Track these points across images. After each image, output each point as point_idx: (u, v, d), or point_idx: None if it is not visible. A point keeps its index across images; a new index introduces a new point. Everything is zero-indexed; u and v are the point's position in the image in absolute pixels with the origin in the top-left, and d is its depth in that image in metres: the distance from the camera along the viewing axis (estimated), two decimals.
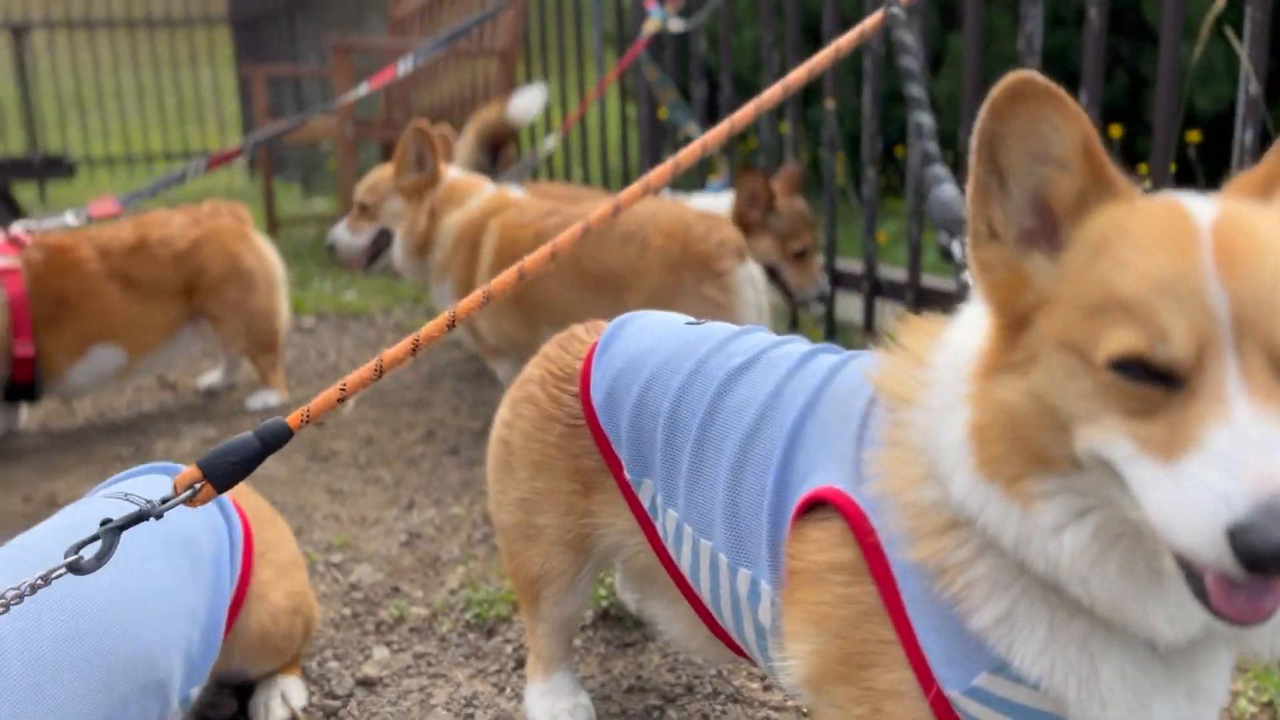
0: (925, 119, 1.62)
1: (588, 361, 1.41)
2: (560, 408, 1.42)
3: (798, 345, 1.29)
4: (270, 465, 2.62)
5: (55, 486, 2.55)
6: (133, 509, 1.15)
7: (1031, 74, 0.86)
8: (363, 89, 3.46)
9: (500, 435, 1.51)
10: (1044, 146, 0.88)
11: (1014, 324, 0.90)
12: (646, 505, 1.32)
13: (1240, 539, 0.72)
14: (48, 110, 11.31)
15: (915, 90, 1.66)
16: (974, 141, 0.90)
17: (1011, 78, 0.86)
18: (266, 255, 3.11)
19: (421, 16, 6.15)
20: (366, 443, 2.80)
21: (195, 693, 1.40)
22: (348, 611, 1.91)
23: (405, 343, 1.28)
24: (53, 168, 7.08)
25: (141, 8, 11.83)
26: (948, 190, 1.50)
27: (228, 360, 3.23)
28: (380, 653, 1.77)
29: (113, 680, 1.21)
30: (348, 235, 2.92)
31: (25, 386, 2.81)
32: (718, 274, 2.45)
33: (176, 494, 1.17)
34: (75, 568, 1.08)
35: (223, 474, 1.18)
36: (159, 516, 1.16)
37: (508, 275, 1.39)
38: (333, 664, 1.75)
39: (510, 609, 1.87)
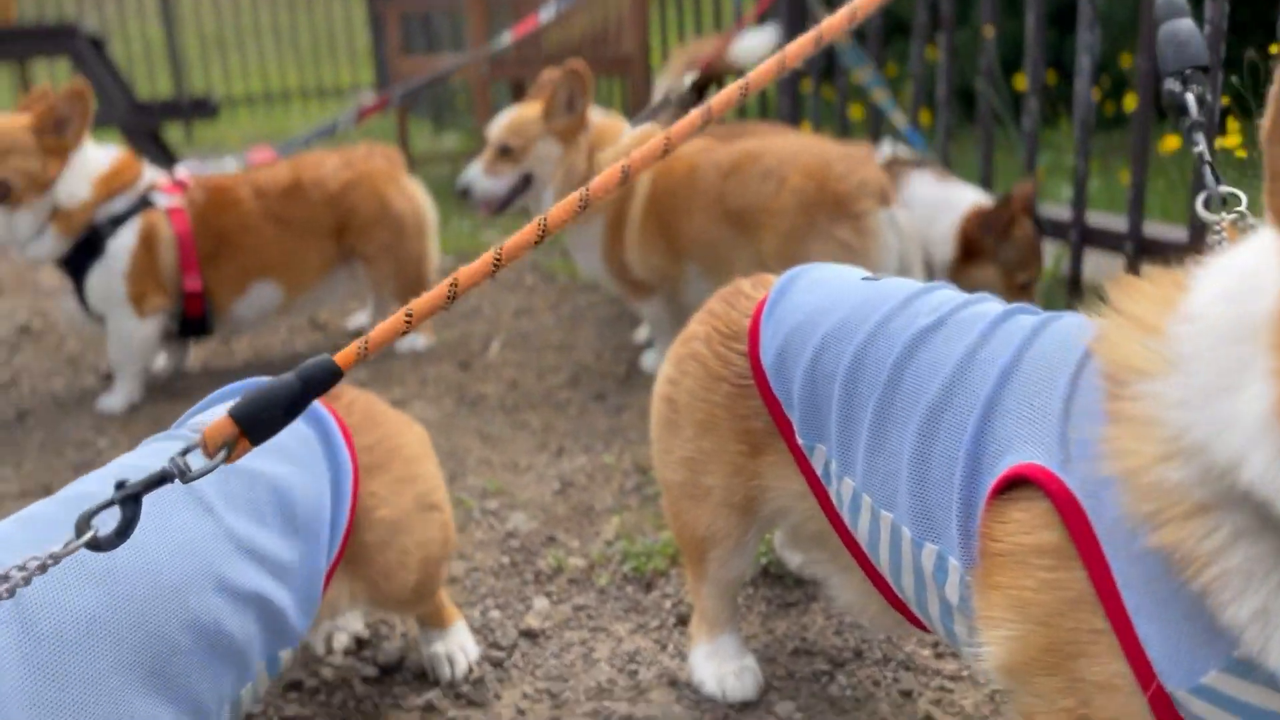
0: None
1: (756, 318, 1.35)
2: (727, 367, 1.37)
3: (991, 304, 1.20)
4: (418, 409, 2.67)
5: None
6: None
7: None
8: (505, 38, 3.43)
9: (664, 393, 1.47)
10: None
11: None
12: (819, 471, 1.27)
13: None
14: (191, 51, 11.69)
15: None
16: (1271, 109, 0.77)
17: None
18: (417, 198, 3.13)
19: None
20: (512, 386, 2.81)
21: (286, 657, 1.25)
22: (506, 560, 1.93)
23: (486, 257, 1.09)
24: (199, 108, 7.27)
25: None
26: (1184, 25, 1.34)
27: (376, 302, 3.28)
28: (540, 603, 1.78)
29: (155, 646, 1.04)
30: (485, 179, 2.86)
31: (197, 322, 2.92)
32: (854, 215, 2.36)
33: (209, 449, 0.97)
34: (92, 544, 0.90)
35: (262, 425, 0.99)
36: (186, 479, 0.95)
37: (609, 177, 1.21)
38: (495, 614, 1.76)
39: (667, 563, 1.85)
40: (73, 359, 3.31)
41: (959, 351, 1.12)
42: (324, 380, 1.01)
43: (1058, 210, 3.21)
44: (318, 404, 1.35)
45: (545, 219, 1.14)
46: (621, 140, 2.70)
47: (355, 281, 3.15)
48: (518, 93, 6.66)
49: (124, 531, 0.92)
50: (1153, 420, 0.91)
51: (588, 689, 1.56)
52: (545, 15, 3.41)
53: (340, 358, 1.01)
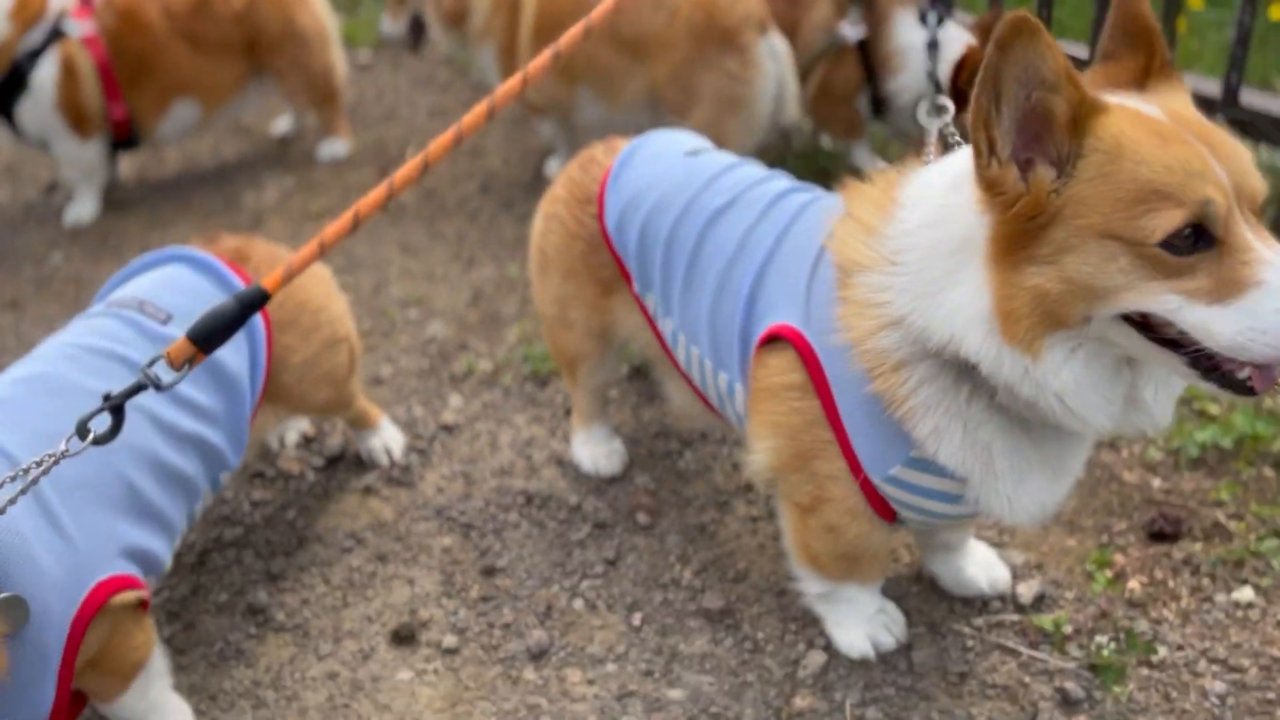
0: None
1: (602, 188, 1.68)
2: (582, 227, 1.70)
3: (775, 184, 1.53)
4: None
5: (165, 238, 2.90)
6: (157, 318, 1.43)
7: (1025, 13, 1.03)
8: None
9: (537, 244, 1.81)
10: (1037, 75, 1.06)
11: (1028, 226, 1.10)
12: (651, 312, 1.64)
13: None
14: None
15: None
16: (980, 75, 1.06)
17: (1011, 17, 1.03)
18: (318, 12, 3.27)
19: None
20: (429, 195, 3.10)
21: (225, 477, 1.61)
22: (425, 364, 2.31)
23: (416, 161, 1.38)
24: None
25: None
26: None
27: (296, 111, 3.48)
28: (455, 401, 2.18)
29: (128, 489, 1.40)
30: (390, 26, 3.12)
31: (125, 141, 3.11)
32: (740, 47, 2.54)
33: (173, 364, 1.27)
34: (94, 442, 1.23)
35: (212, 340, 1.29)
36: (159, 388, 1.25)
37: (543, 59, 1.41)
38: (418, 410, 2.16)
39: (559, 365, 2.24)
40: (12, 169, 3.50)
41: (742, 228, 1.48)
42: (256, 302, 1.31)
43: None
44: (232, 276, 1.65)
45: (494, 99, 1.36)
46: None
47: (269, 94, 3.32)
48: None
49: (115, 431, 1.25)
50: (870, 303, 1.28)
51: (493, 469, 1.99)
52: None
53: (268, 282, 1.31)
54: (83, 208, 3.09)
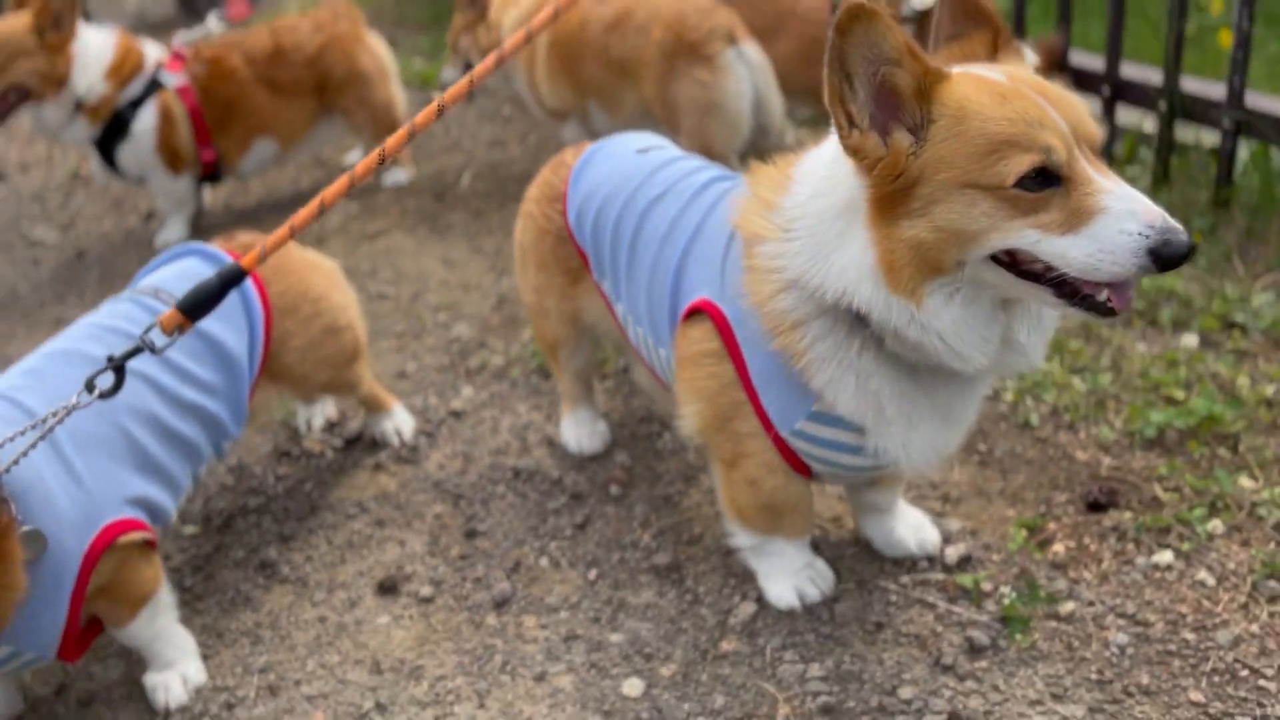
0: None
1: (566, 186, 1.87)
2: (550, 223, 1.89)
3: (704, 174, 1.69)
4: (397, 238, 3.23)
5: None
6: (169, 302, 1.65)
7: (863, 0, 1.17)
8: None
9: (517, 239, 2.01)
10: (880, 52, 1.21)
11: (898, 187, 1.24)
12: (607, 296, 1.81)
13: (1161, 253, 1.16)
14: None
15: None
16: (826, 57, 1.21)
17: (849, 4, 1.17)
18: (379, 54, 3.58)
19: None
20: (476, 215, 3.35)
21: (228, 445, 1.84)
22: (446, 360, 2.53)
23: (342, 181, 1.54)
24: None
25: None
26: None
27: (364, 144, 3.79)
28: (467, 391, 2.39)
29: (137, 447, 1.63)
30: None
31: (210, 175, 3.47)
32: (706, 58, 2.75)
33: (165, 330, 1.50)
34: (100, 396, 1.47)
35: (198, 310, 1.52)
36: (154, 351, 1.50)
37: (488, 62, 1.60)
38: (432, 399, 2.38)
39: None
40: (118, 201, 3.91)
41: (671, 214, 1.64)
42: (235, 278, 1.53)
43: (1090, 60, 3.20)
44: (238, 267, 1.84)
45: (442, 100, 1.57)
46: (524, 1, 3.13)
47: (339, 128, 3.64)
48: None
49: (117, 387, 1.51)
50: (769, 269, 1.43)
51: (490, 449, 2.18)
52: None
53: (246, 261, 1.52)
54: (172, 232, 3.44)
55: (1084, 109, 1.25)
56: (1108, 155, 3.10)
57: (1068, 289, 1.24)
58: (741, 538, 1.67)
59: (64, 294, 3.21)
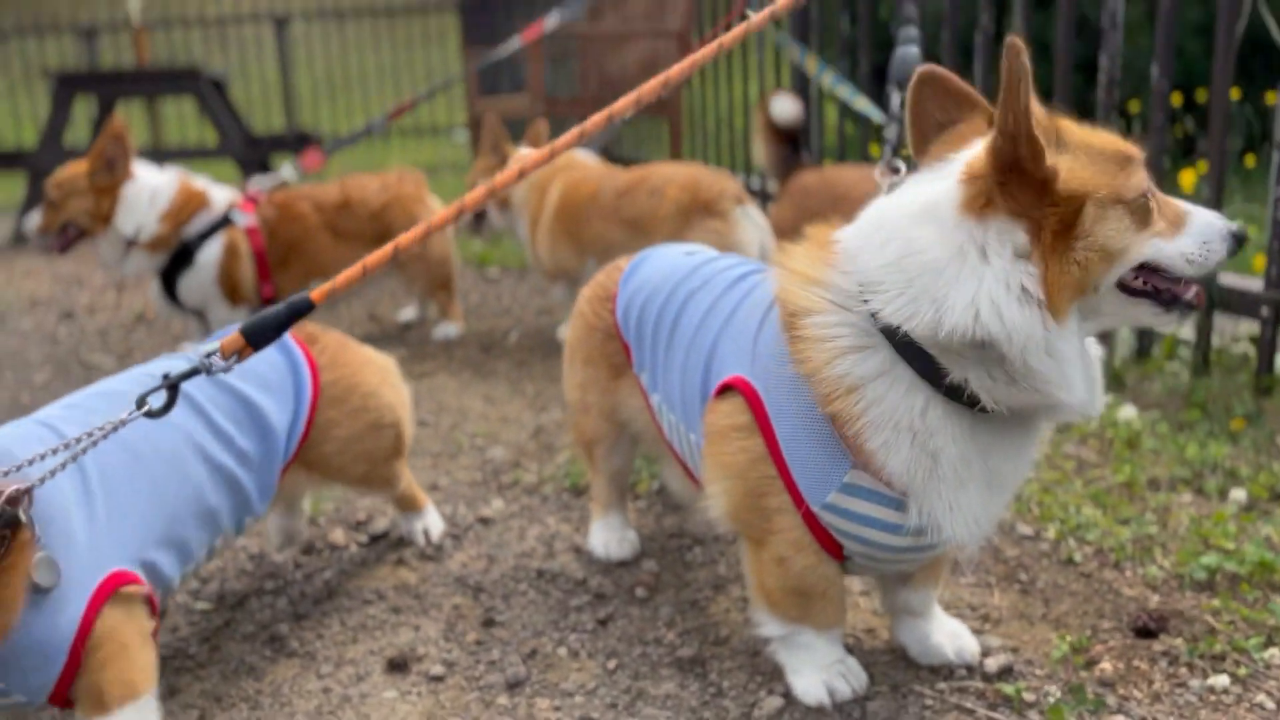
0: None
1: (616, 286, 1.93)
2: (600, 320, 1.94)
3: (738, 269, 1.74)
4: (441, 379, 3.29)
5: None
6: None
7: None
8: (514, 43, 4.10)
9: (569, 337, 2.06)
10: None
11: (1068, 210, 1.27)
12: (645, 388, 1.83)
13: (1238, 235, 1.35)
14: (303, 91, 12.75)
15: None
16: (1020, 93, 1.22)
17: (1011, 39, 1.21)
18: (438, 211, 3.79)
19: (615, 2, 6.75)
20: (520, 365, 3.42)
21: (248, 522, 1.75)
22: (479, 476, 2.52)
23: (419, 229, 1.61)
24: (302, 142, 8.06)
25: None
26: (913, 50, 1.98)
27: (420, 300, 3.94)
28: (497, 503, 2.37)
29: (166, 501, 1.55)
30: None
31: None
32: (720, 213, 3.15)
33: (224, 354, 1.43)
34: (148, 414, 1.39)
35: (260, 338, 1.45)
36: (209, 372, 1.42)
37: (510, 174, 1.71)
38: (462, 509, 2.35)
39: None
40: (177, 338, 4.04)
41: (706, 304, 1.68)
42: (303, 309, 1.49)
43: None
44: (296, 349, 1.89)
45: (463, 201, 1.70)
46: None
47: (392, 280, 3.81)
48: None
49: (169, 406, 1.40)
50: (822, 338, 1.43)
51: (515, 553, 2.14)
52: (550, 23, 4.07)
53: (315, 294, 1.51)
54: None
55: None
56: (1146, 356, 3.14)
57: (1165, 296, 1.35)
58: (770, 626, 1.60)
59: None
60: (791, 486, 1.46)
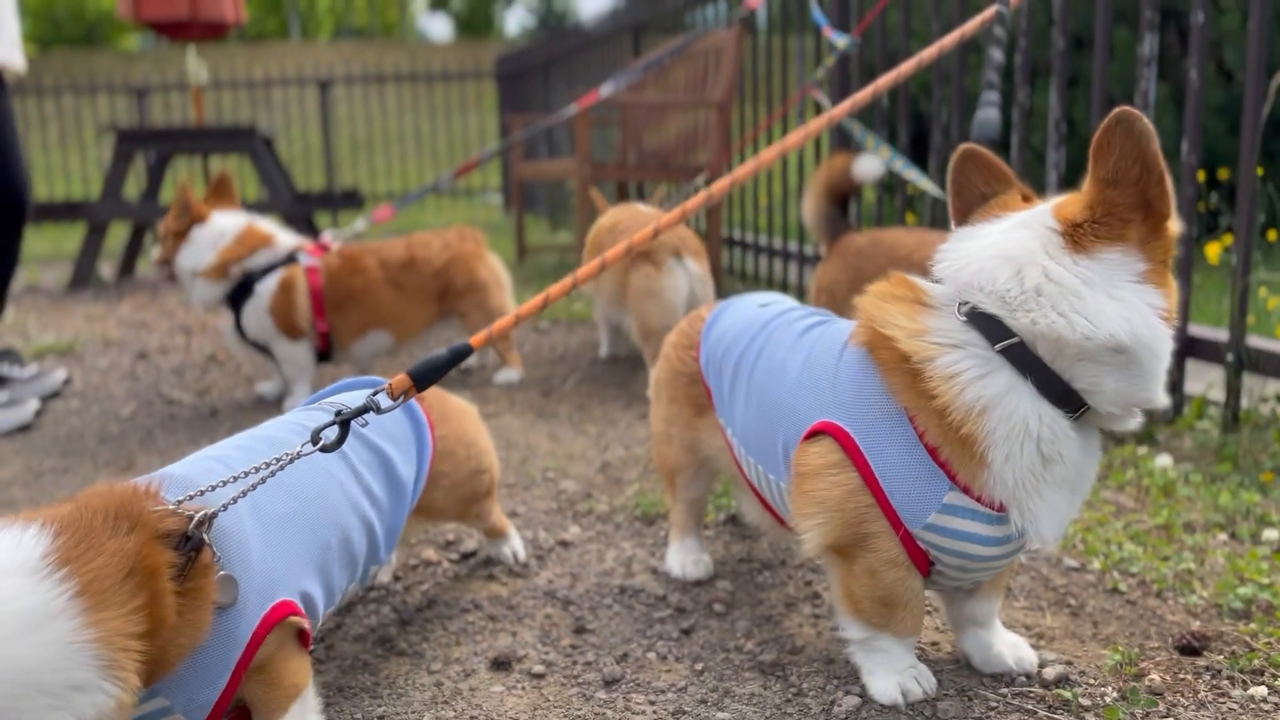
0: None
1: (699, 335, 2.14)
2: (685, 366, 2.15)
3: (804, 321, 1.93)
4: (506, 419, 3.48)
5: None
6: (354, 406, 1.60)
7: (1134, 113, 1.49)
8: (571, 109, 4.35)
9: (655, 377, 2.26)
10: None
11: (1170, 249, 1.55)
12: (726, 432, 2.02)
13: None
14: (343, 152, 13.16)
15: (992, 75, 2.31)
16: (1157, 159, 1.50)
17: (1126, 112, 1.48)
18: (496, 268, 4.04)
19: (655, 71, 7.06)
20: (579, 408, 3.61)
21: (375, 571, 1.83)
22: (554, 505, 2.70)
23: (566, 281, 1.81)
24: (346, 200, 8.35)
25: (423, 64, 13.53)
26: (993, 113, 2.20)
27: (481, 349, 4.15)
28: (574, 529, 2.55)
29: (320, 540, 1.62)
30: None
31: (322, 353, 3.83)
32: (655, 263, 3.62)
33: (392, 394, 1.54)
34: (323, 449, 1.49)
35: (426, 379, 1.59)
36: (379, 411, 1.53)
37: (590, 267, 1.86)
38: (542, 533, 2.53)
39: (666, 509, 2.59)
40: (249, 377, 4.26)
41: (780, 355, 1.88)
42: (464, 353, 1.66)
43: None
44: (416, 406, 2.02)
45: (575, 275, 1.89)
46: (602, 220, 3.80)
47: (451, 330, 4.03)
48: (621, 194, 7.62)
49: (340, 441, 1.49)
50: (949, 375, 1.58)
51: (596, 572, 2.31)
52: (605, 91, 4.32)
53: (474, 340, 1.69)
54: (297, 399, 3.74)
55: None
56: (1178, 415, 3.32)
57: None
58: (852, 630, 1.76)
59: (197, 438, 3.48)
60: (890, 512, 1.63)
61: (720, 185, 1.95)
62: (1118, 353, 1.51)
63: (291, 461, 1.50)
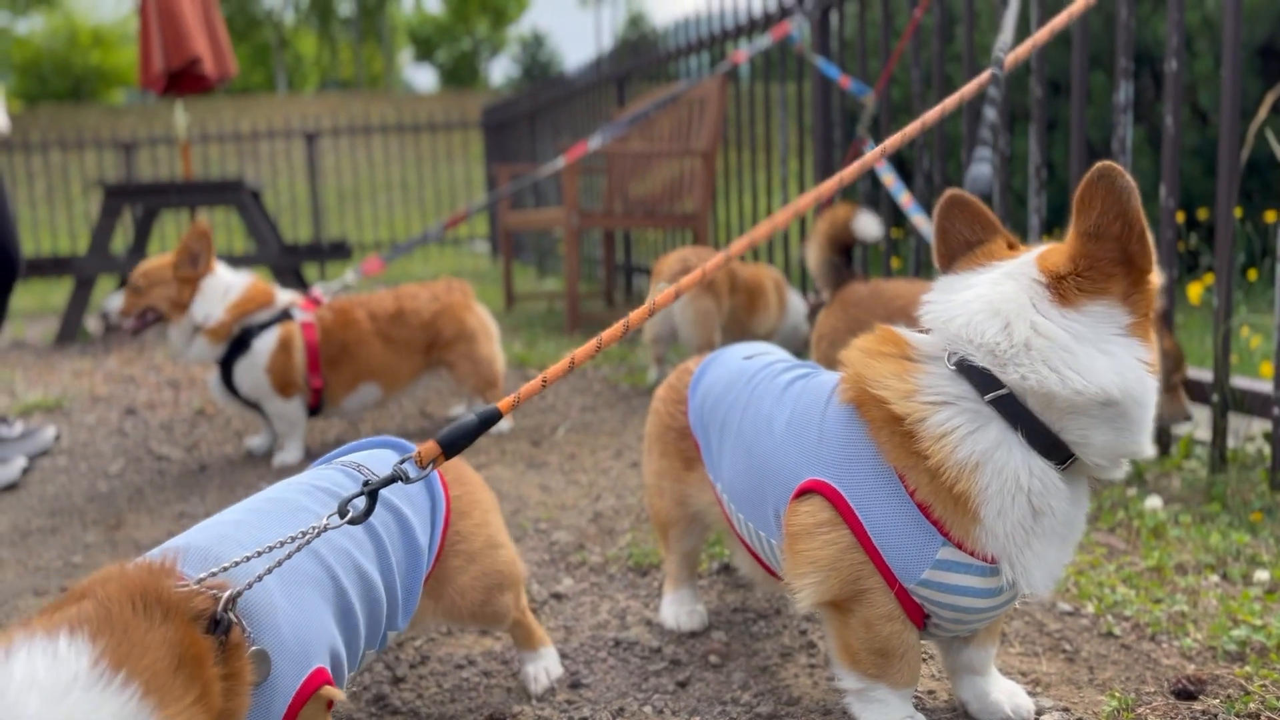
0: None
1: (687, 390, 2.15)
2: (674, 420, 2.15)
3: (786, 375, 1.94)
4: (497, 470, 3.48)
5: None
6: (372, 476, 1.53)
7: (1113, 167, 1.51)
8: (559, 161, 4.40)
9: (647, 431, 2.27)
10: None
11: (1150, 302, 1.56)
12: (714, 486, 2.03)
13: None
14: (330, 202, 13.22)
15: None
16: (1138, 214, 1.51)
17: (1108, 168, 1.50)
18: (484, 318, 4.06)
19: (641, 121, 7.14)
20: (570, 457, 3.61)
21: (392, 636, 1.72)
22: (547, 557, 2.69)
23: (590, 344, 1.77)
24: (335, 251, 8.35)
25: (409, 114, 13.66)
26: (985, 169, 2.21)
27: (468, 399, 4.15)
28: (567, 581, 2.54)
29: (344, 606, 1.54)
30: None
31: (312, 408, 3.81)
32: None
33: (420, 462, 1.47)
34: (350, 520, 1.40)
35: (454, 446, 1.52)
36: (408, 481, 1.45)
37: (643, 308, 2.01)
38: (535, 586, 2.52)
39: (659, 559, 2.59)
40: (238, 432, 4.25)
41: (764, 410, 1.89)
42: (492, 419, 1.61)
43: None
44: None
45: (627, 321, 1.85)
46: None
47: (439, 381, 4.03)
48: (607, 241, 7.66)
49: (368, 513, 1.41)
50: (941, 435, 1.60)
51: (590, 625, 2.30)
52: (594, 143, 4.37)
53: (502, 405, 1.61)
54: (290, 455, 3.73)
55: None
56: (1165, 455, 3.34)
57: None
58: (849, 681, 1.75)
59: (187, 495, 3.46)
60: (884, 569, 1.63)
61: (739, 245, 1.99)
62: (1107, 406, 1.52)
63: (318, 535, 1.44)
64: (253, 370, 3.66)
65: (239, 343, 3.68)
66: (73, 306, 7.35)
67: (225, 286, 3.69)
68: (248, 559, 1.39)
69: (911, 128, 2.10)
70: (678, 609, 2.26)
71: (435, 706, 2.00)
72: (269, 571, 1.38)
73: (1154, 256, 1.54)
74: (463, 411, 4.25)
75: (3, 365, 6.05)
